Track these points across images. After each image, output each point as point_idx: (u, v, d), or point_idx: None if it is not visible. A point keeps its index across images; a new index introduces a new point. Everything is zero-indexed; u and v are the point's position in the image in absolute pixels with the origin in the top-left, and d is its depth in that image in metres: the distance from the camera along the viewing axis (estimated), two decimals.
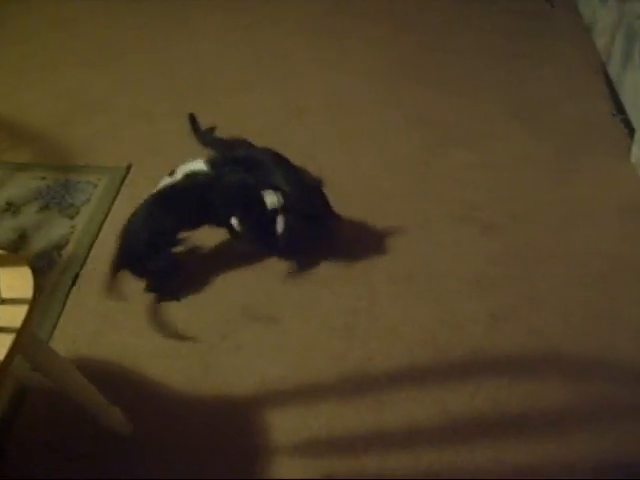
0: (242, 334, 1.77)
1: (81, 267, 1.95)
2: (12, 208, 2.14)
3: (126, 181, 2.26)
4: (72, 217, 2.10)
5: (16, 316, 1.12)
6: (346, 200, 2.13)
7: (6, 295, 1.16)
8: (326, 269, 1.96)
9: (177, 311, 1.84)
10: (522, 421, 1.56)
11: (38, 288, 1.19)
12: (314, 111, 2.62)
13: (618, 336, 1.75)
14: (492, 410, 1.58)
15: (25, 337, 1.13)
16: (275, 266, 1.97)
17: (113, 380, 1.66)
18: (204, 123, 2.45)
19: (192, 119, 2.45)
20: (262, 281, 1.92)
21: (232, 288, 1.90)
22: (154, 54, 3.04)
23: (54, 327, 1.78)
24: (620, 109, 2.54)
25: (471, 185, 2.25)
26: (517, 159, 2.37)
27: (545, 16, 3.26)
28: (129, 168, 2.31)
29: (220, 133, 2.40)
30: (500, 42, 3.06)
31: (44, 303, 1.83)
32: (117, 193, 2.19)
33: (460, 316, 1.81)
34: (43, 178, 2.26)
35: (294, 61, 2.97)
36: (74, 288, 1.89)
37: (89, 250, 2.00)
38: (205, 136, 2.38)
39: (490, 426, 1.56)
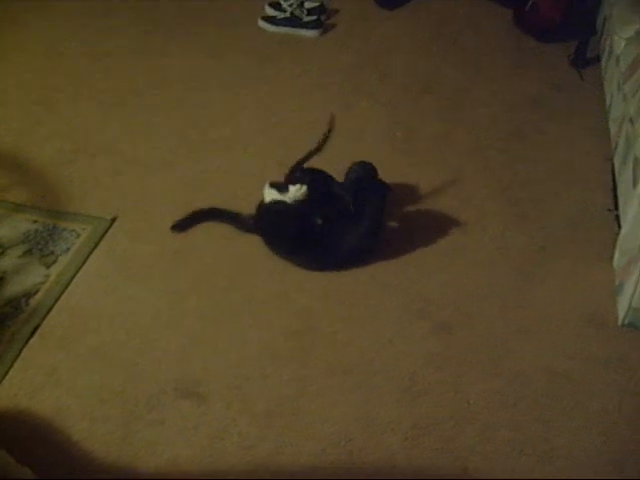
0: (168, 409, 1.85)
1: (43, 319, 2.08)
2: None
3: (107, 234, 2.36)
4: (49, 266, 2.24)
5: None
6: None
7: None
8: (264, 350, 2.01)
9: (115, 373, 1.93)
10: None
11: None
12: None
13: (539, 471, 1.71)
14: None
15: None
16: (219, 339, 2.04)
17: (38, 439, 1.78)
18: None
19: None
20: (203, 355, 1.99)
21: (172, 358, 1.98)
22: (172, 99, 3.08)
23: (3, 377, 1.92)
24: (617, 205, 2.44)
25: (433, 276, 2.24)
26: (491, 250, 2.33)
27: (572, 89, 3.16)
28: (114, 220, 2.42)
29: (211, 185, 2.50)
30: (517, 115, 3.00)
31: (1, 351, 1.98)
32: (95, 246, 2.31)
33: (383, 422, 1.82)
34: (35, 221, 2.41)
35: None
36: (32, 340, 2.02)
37: (55, 302, 2.12)
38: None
39: None
